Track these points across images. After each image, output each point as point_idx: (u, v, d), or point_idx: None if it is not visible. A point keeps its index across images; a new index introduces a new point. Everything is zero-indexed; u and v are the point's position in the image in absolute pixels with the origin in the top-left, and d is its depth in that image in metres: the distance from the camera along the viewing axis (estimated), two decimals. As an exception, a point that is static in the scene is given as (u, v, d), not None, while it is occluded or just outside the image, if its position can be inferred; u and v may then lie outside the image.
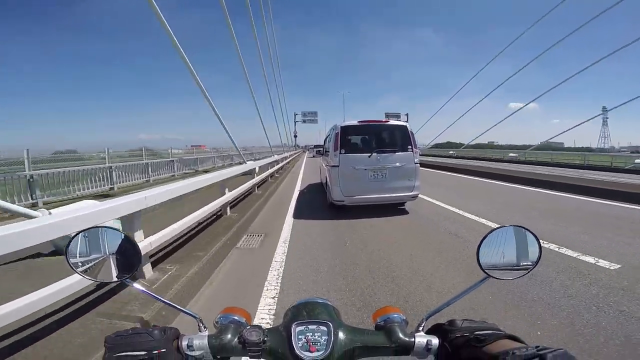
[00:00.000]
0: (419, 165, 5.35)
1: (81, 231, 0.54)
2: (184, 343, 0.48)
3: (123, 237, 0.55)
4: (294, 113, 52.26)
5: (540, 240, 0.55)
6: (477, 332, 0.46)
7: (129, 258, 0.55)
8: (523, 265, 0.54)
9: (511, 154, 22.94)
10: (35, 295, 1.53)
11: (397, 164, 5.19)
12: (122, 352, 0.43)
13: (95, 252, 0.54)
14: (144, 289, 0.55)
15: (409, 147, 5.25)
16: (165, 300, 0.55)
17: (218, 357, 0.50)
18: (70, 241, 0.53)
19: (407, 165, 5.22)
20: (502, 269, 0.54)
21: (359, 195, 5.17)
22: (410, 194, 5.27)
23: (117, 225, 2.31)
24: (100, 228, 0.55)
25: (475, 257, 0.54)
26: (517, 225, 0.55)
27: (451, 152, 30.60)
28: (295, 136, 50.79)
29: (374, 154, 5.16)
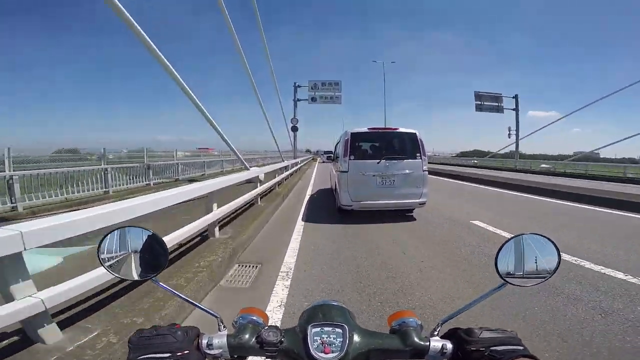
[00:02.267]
0: (427, 172, 5.40)
1: (114, 230, 0.57)
2: (204, 342, 0.50)
3: (151, 236, 0.57)
4: (295, 85, 24.45)
5: (559, 248, 0.55)
6: (493, 348, 0.45)
7: (156, 257, 0.57)
8: (541, 273, 0.55)
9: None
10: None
11: (406, 170, 5.25)
12: (147, 353, 0.44)
13: (125, 250, 0.56)
14: (169, 287, 0.57)
15: (418, 154, 5.32)
16: (190, 300, 0.57)
17: (235, 356, 0.51)
18: (102, 239, 0.56)
19: (416, 172, 5.27)
20: (519, 276, 0.54)
21: (367, 200, 5.25)
22: (417, 200, 5.31)
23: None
24: (131, 228, 0.58)
25: (494, 264, 0.54)
26: (536, 233, 0.55)
27: (474, 160, 30.26)
28: (295, 129, 22.49)
29: (382, 160, 5.24)
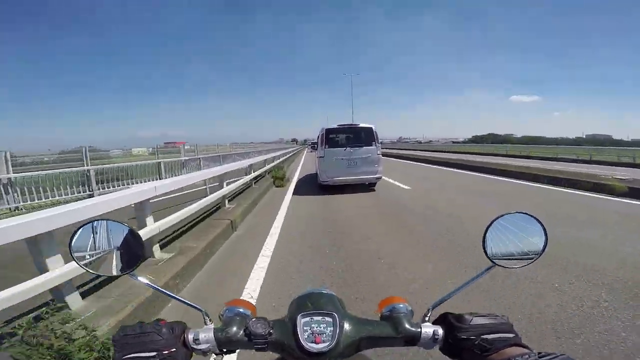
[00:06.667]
0: (381, 155, 7.56)
1: (85, 224, 0.53)
2: (191, 337, 0.49)
3: (127, 230, 0.54)
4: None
5: (545, 227, 0.52)
6: (483, 336, 0.45)
7: (132, 251, 0.54)
8: (529, 253, 0.53)
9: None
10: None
11: (365, 155, 7.41)
12: (132, 353, 0.43)
13: (99, 245, 0.53)
14: (148, 282, 0.54)
15: (373, 142, 7.48)
16: (171, 294, 0.54)
17: (224, 350, 0.50)
18: (74, 234, 0.52)
19: (372, 155, 7.42)
20: (507, 257, 0.53)
21: (338, 177, 7.41)
22: (374, 176, 7.50)
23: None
24: (104, 221, 0.53)
25: (482, 246, 0.53)
26: (523, 212, 0.54)
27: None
28: None
29: (347, 147, 7.40)
